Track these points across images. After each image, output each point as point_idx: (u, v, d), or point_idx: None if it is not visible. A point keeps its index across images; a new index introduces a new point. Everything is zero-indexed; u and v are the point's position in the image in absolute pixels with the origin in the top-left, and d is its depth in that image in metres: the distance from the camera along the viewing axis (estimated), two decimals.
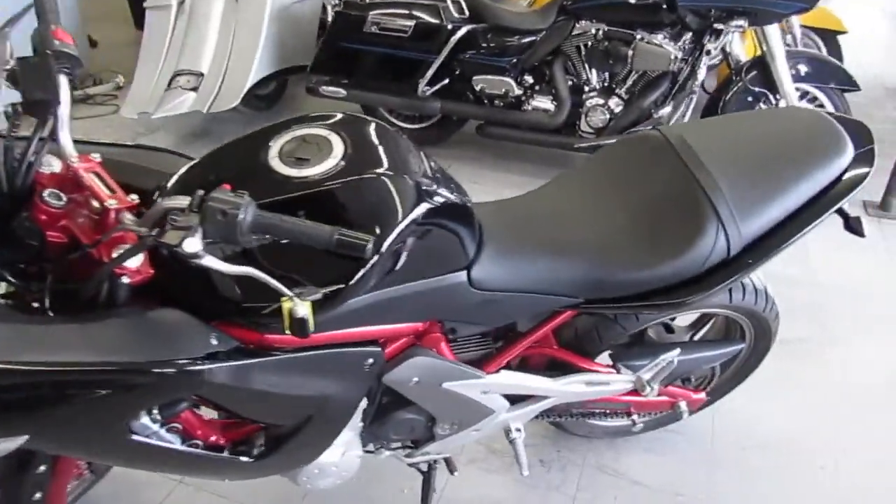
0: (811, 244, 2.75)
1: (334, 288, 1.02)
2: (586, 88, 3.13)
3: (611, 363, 1.54)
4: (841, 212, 1.37)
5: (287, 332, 0.93)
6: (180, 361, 0.99)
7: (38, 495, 1.31)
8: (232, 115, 4.07)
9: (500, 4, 3.23)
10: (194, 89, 3.47)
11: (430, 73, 3.15)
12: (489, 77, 3.16)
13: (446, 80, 3.27)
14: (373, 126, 1.15)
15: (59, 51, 1.00)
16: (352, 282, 1.03)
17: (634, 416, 1.71)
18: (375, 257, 1.03)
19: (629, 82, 3.07)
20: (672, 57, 2.85)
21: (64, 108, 1.00)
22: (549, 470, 1.85)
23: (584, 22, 3.06)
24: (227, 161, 1.10)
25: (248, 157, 1.09)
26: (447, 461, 1.58)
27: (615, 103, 3.06)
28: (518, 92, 3.15)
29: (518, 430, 1.54)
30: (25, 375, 0.92)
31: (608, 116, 3.07)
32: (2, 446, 1.02)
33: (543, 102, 3.19)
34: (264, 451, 1.24)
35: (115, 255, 0.96)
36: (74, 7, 4.38)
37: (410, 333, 1.28)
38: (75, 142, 1.05)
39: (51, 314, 1.01)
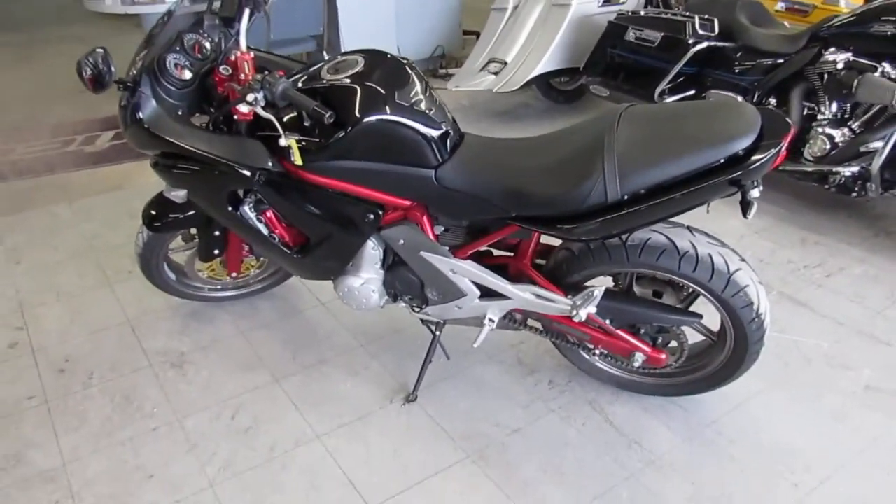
0: None
1: (315, 139, 1.73)
2: (819, 117, 3.08)
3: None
4: (743, 192, 1.53)
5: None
6: (246, 165, 1.83)
7: (216, 251, 2.31)
8: (535, 103, 4.90)
9: (760, 27, 3.35)
10: (496, 73, 4.36)
11: (665, 80, 3.46)
12: (721, 92, 3.33)
13: (691, 92, 3.54)
14: (388, 58, 1.81)
15: None
16: (329, 141, 1.72)
17: (597, 351, 2.01)
18: (348, 130, 1.70)
19: (866, 116, 2.94)
20: None
21: (242, 25, 1.88)
22: (552, 389, 2.23)
23: (832, 49, 3.02)
24: (309, 68, 1.87)
25: (317, 66, 1.85)
26: (438, 325, 2.15)
27: (841, 135, 2.97)
28: None
29: (491, 320, 2.01)
30: (184, 151, 1.85)
31: (829, 146, 2.99)
32: (177, 193, 2.01)
33: None
34: (306, 252, 2.02)
35: (231, 102, 1.83)
36: (458, 6, 5.65)
37: (402, 208, 1.90)
38: (251, 48, 1.94)
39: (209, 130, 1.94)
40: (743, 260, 1.82)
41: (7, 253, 3.06)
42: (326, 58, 1.91)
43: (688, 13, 3.47)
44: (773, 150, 1.50)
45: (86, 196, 3.60)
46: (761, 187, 1.55)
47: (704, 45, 3.34)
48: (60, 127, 4.63)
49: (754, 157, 1.50)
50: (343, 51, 5.03)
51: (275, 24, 4.19)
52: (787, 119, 1.55)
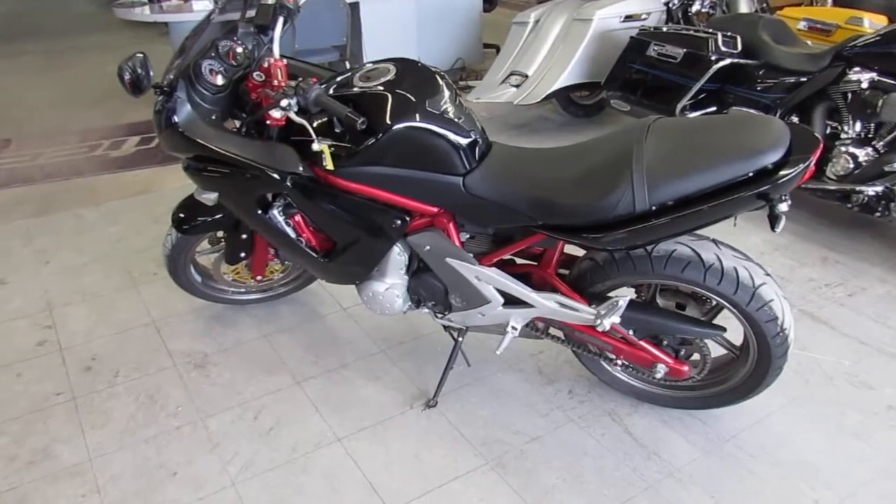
0: None
1: (346, 145, 1.76)
2: (843, 135, 3.08)
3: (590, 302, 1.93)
4: (772, 206, 1.54)
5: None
6: (276, 169, 1.86)
7: (242, 254, 2.35)
8: (555, 116, 4.92)
9: (782, 46, 3.36)
10: (517, 86, 4.39)
11: (687, 96, 3.48)
12: (742, 109, 3.34)
13: (713, 108, 3.55)
14: (419, 67, 1.84)
15: (282, 4, 1.94)
16: (359, 147, 1.75)
17: (619, 361, 2.01)
18: (379, 137, 1.73)
19: (890, 136, 2.94)
20: None
21: (276, 33, 1.93)
22: (571, 398, 2.24)
23: (856, 69, 3.03)
24: (340, 76, 1.91)
25: (349, 74, 1.89)
26: (460, 331, 2.16)
27: (865, 154, 2.97)
28: None
29: (514, 328, 2.03)
30: (217, 155, 1.89)
31: (852, 166, 2.99)
32: (207, 196, 2.04)
33: None
34: (332, 257, 2.05)
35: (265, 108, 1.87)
36: (478, 19, 5.71)
37: (429, 214, 1.92)
38: (285, 56, 1.98)
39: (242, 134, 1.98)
40: (768, 274, 1.82)
41: (36, 254, 3.12)
42: (348, 68, 1.95)
43: (710, 30, 3.49)
44: (801, 165, 1.51)
45: (111, 199, 3.66)
46: (790, 201, 1.56)
47: (727, 61, 3.36)
48: (87, 132, 4.72)
49: (783, 172, 1.51)
50: (365, 61, 5.12)
51: (299, 34, 4.28)
52: (816, 134, 1.56)
